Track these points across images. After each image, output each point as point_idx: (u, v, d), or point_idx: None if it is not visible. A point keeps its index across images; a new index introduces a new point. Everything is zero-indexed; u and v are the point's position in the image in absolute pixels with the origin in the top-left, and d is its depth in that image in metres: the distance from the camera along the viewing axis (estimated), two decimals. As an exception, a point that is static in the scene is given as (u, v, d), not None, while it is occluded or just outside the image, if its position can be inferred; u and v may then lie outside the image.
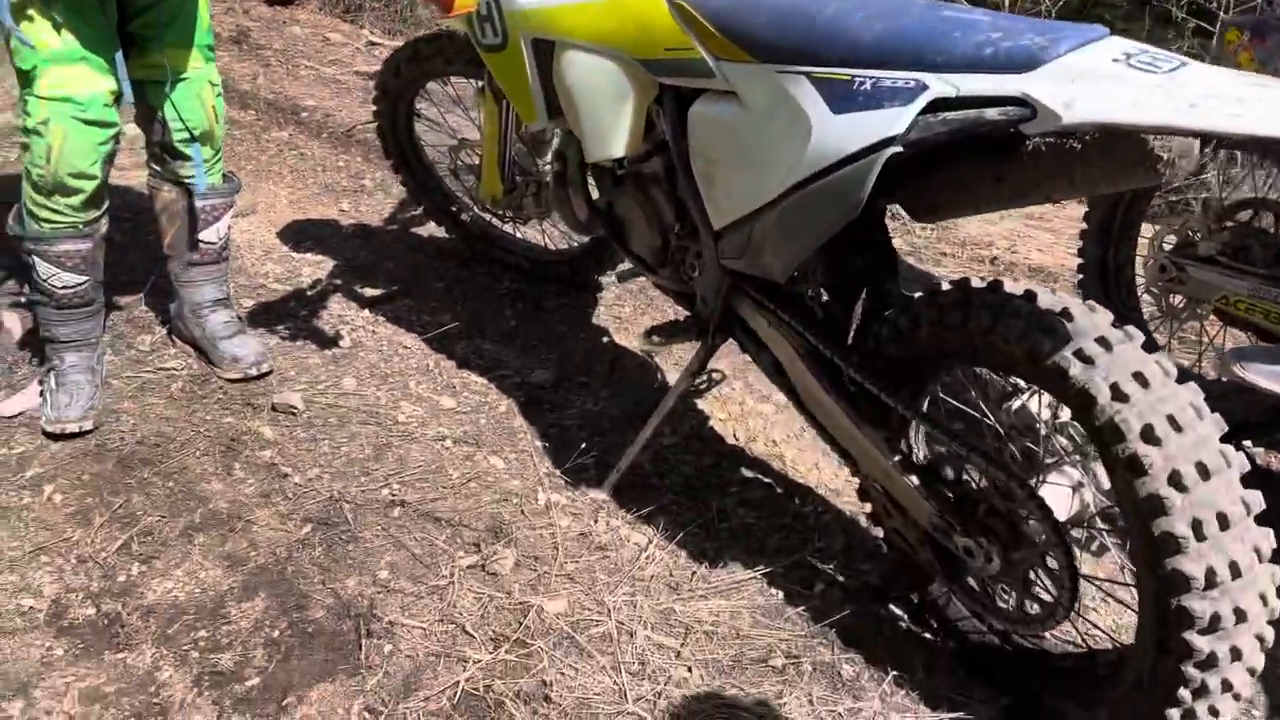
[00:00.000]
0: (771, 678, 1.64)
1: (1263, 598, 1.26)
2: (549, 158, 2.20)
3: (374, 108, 2.74)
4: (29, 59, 1.85)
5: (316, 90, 4.19)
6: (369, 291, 2.77)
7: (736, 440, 2.25)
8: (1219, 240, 2.18)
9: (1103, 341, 1.31)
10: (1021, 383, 1.53)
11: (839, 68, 1.35)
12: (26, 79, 1.88)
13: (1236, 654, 1.26)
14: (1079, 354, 1.30)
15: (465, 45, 2.39)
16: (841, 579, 1.86)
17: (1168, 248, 2.28)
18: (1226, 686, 1.28)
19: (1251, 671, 1.29)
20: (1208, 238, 2.19)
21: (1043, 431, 1.51)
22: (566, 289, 2.83)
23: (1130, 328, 1.35)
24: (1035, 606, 1.50)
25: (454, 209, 2.89)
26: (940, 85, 1.25)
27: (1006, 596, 1.56)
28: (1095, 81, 1.14)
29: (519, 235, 2.90)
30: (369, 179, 3.47)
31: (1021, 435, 1.55)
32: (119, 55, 1.94)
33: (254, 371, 2.29)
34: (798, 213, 1.45)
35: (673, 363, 2.52)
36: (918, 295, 1.53)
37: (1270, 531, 1.27)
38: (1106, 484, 1.43)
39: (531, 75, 1.86)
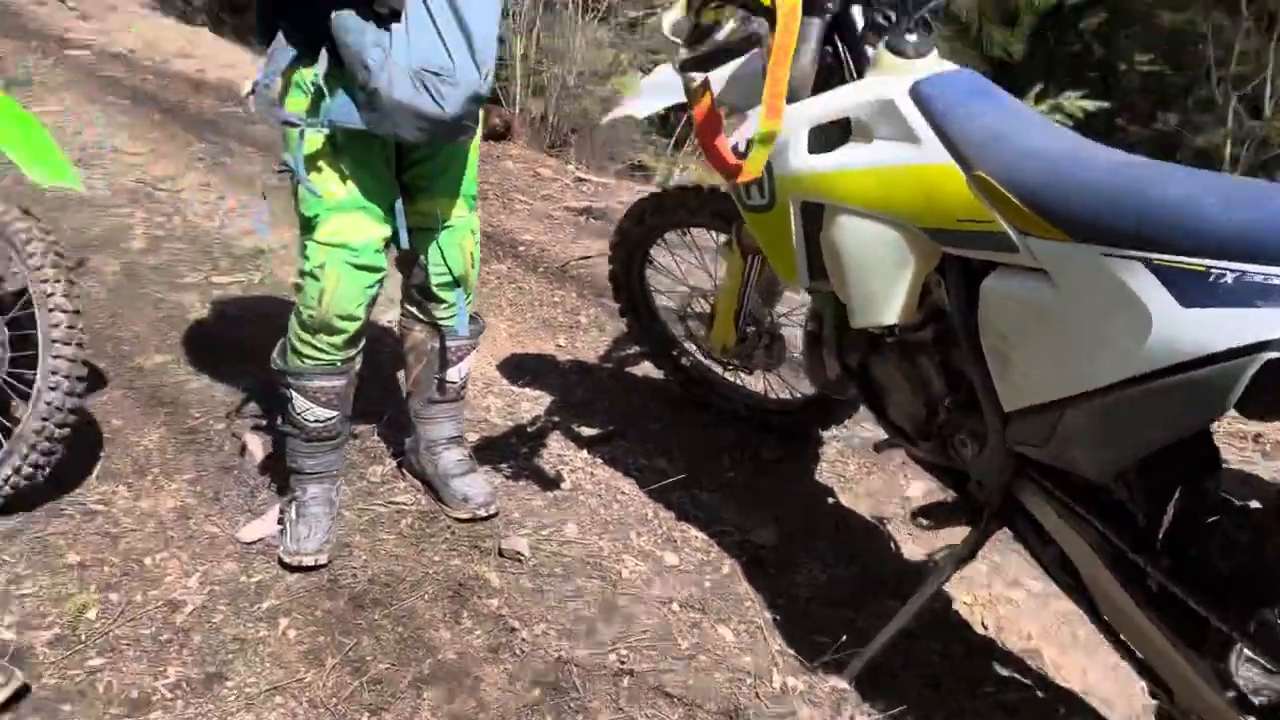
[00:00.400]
0: None
1: None
2: (802, 315, 2.14)
3: (610, 253, 2.76)
4: (314, 207, 1.93)
5: (531, 224, 4.33)
6: (586, 430, 2.74)
7: (985, 629, 2.06)
8: None
9: None
10: None
11: (1188, 256, 1.22)
12: (308, 225, 1.96)
13: None
14: None
15: (710, 199, 2.39)
16: None
17: None
18: None
19: None
20: None
21: None
22: (786, 441, 2.72)
23: None
24: None
25: (674, 352, 2.86)
26: None
27: None
28: None
29: (739, 383, 2.83)
30: (584, 315, 3.51)
31: None
32: (399, 203, 2.00)
33: (482, 513, 2.27)
34: (1132, 410, 1.31)
35: (906, 532, 2.36)
36: (1257, 507, 1.35)
37: None
38: None
39: (796, 237, 1.81)
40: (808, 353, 2.10)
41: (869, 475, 2.60)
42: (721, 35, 1.63)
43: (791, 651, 1.95)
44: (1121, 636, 1.52)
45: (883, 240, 1.65)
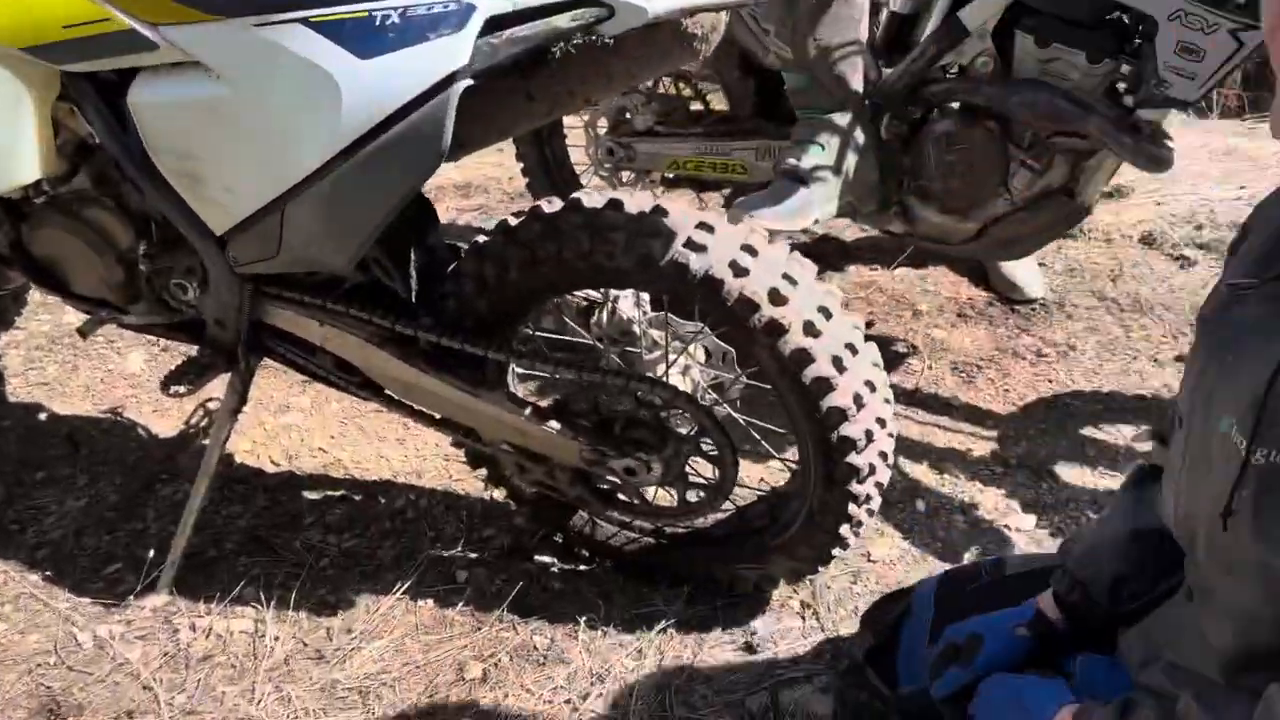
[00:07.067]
0: (479, 689, 1.46)
1: (870, 384, 1.35)
2: None
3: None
4: None
5: None
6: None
7: (278, 465, 1.94)
8: (651, 113, 2.32)
9: (704, 226, 1.30)
10: (594, 294, 1.53)
11: (345, 5, 1.13)
12: None
13: (884, 457, 1.41)
14: (690, 244, 1.28)
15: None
16: (475, 555, 1.71)
17: (603, 132, 2.39)
18: (877, 484, 1.43)
19: (884, 455, 1.41)
20: (640, 113, 2.32)
21: (638, 330, 1.51)
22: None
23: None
24: (698, 494, 1.50)
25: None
26: (490, 1, 1.11)
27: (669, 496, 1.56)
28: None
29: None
30: None
31: (617, 342, 1.53)
32: None
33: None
34: (355, 183, 1.22)
35: (151, 409, 2.09)
36: (487, 240, 1.40)
37: (858, 319, 1.40)
38: (701, 358, 1.55)
39: None
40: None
41: (74, 372, 2.22)
42: None
43: (87, 601, 1.62)
44: (416, 407, 1.53)
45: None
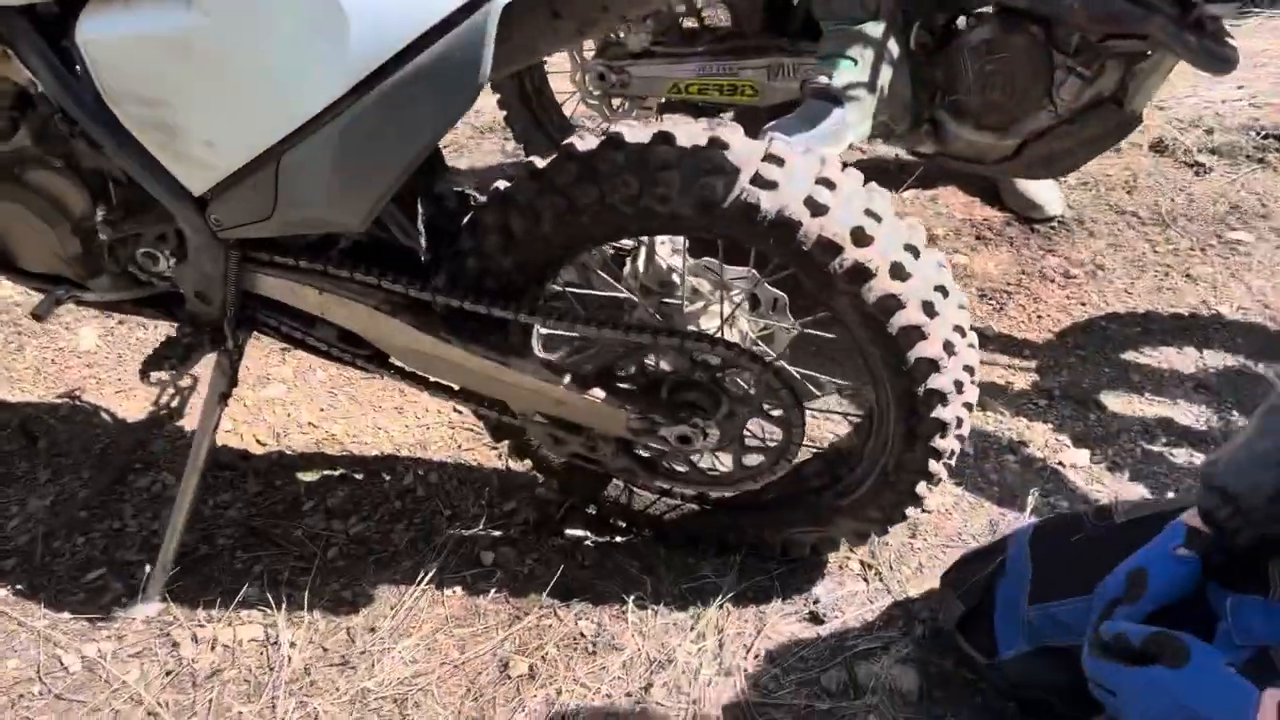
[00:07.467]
0: (528, 687, 1.32)
1: (960, 329, 1.21)
2: None
3: None
4: None
5: None
6: None
7: (266, 445, 1.75)
8: (646, 32, 2.10)
9: (772, 159, 1.11)
10: (627, 243, 1.36)
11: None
12: None
13: (969, 408, 1.26)
14: (758, 181, 1.09)
15: None
16: (499, 533, 1.55)
17: (591, 56, 2.17)
18: (959, 437, 1.28)
19: (969, 406, 1.27)
20: (634, 32, 2.10)
21: (678, 280, 1.35)
22: None
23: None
24: (755, 456, 1.35)
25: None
26: None
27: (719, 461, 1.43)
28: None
29: None
30: None
31: (654, 294, 1.37)
32: None
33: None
34: (371, 126, 1.02)
35: (113, 390, 1.88)
36: (512, 187, 1.19)
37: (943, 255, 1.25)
38: (746, 306, 1.40)
39: None
40: None
41: (19, 350, 1.99)
42: None
43: (68, 615, 1.43)
44: (432, 379, 1.36)
45: None
